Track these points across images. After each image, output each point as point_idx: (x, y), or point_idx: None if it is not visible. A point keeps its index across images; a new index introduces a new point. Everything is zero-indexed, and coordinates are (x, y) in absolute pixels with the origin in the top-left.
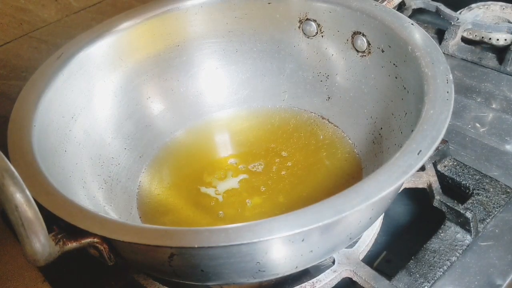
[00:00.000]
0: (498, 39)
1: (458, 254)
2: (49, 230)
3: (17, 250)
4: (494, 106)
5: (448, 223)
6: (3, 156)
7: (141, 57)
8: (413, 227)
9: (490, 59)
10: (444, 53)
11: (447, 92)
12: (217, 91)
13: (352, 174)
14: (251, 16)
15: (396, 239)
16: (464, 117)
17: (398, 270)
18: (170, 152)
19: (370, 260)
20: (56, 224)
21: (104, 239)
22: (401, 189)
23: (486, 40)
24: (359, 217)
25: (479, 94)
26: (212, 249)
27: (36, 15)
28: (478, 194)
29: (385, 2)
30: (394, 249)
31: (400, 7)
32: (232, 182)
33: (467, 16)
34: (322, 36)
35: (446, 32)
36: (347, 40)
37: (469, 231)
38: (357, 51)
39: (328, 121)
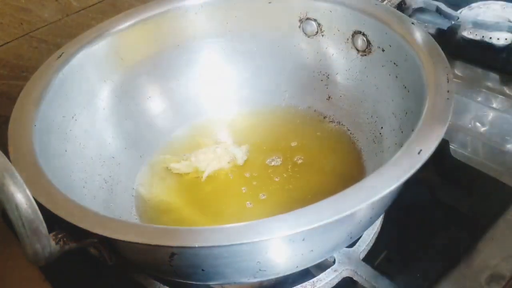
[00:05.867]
0: (498, 38)
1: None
2: (50, 229)
3: (18, 249)
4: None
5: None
6: (4, 155)
7: (141, 57)
8: (414, 227)
9: (491, 59)
10: (444, 52)
11: (448, 91)
12: (217, 91)
13: (353, 174)
14: (251, 16)
15: (397, 239)
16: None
17: (399, 270)
18: (170, 152)
19: (370, 259)
20: (57, 224)
21: (105, 239)
22: (401, 189)
23: (486, 39)
24: (360, 216)
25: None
26: (213, 249)
27: (37, 14)
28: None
29: (386, 1)
30: (395, 248)
31: (401, 6)
32: (231, 182)
33: (467, 15)
34: (323, 35)
35: (446, 31)
36: (348, 40)
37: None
38: (358, 50)
39: (329, 121)
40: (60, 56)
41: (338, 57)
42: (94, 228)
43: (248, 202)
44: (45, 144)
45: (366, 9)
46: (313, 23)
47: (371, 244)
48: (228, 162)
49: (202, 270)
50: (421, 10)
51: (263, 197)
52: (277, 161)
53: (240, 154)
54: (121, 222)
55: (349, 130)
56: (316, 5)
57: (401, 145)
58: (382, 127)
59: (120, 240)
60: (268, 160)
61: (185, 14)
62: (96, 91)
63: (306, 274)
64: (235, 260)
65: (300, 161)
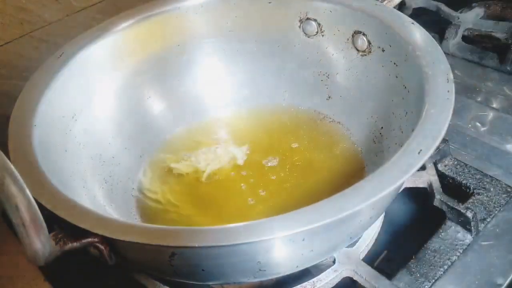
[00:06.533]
0: (498, 39)
1: (458, 254)
2: (50, 229)
3: (18, 249)
4: (494, 105)
5: (448, 223)
6: (4, 155)
7: (142, 56)
8: (414, 227)
9: (491, 59)
10: (444, 52)
11: (448, 91)
12: (217, 91)
13: (353, 173)
14: (251, 16)
15: (397, 239)
16: (464, 116)
17: (399, 270)
18: (170, 151)
19: (370, 259)
20: (57, 224)
21: (105, 239)
22: (401, 189)
23: (486, 39)
24: (360, 216)
25: (480, 94)
26: (213, 249)
27: (37, 14)
28: (478, 193)
29: (386, 2)
30: (395, 248)
31: (401, 7)
32: (232, 181)
33: (467, 16)
34: (323, 35)
35: (446, 32)
36: (348, 40)
37: (469, 230)
38: (358, 50)
39: (329, 121)
40: (60, 56)
41: (338, 57)
42: (94, 228)
43: (249, 199)
44: (45, 144)
45: (366, 9)
46: (313, 23)
47: (371, 244)
48: (228, 162)
49: (202, 270)
50: (421, 10)
51: (263, 196)
52: (277, 161)
53: (240, 154)
54: (121, 222)
55: (349, 130)
56: (316, 5)
57: (401, 145)
58: (382, 127)
59: (120, 240)
60: (268, 160)
61: (185, 14)
62: (96, 91)
63: (306, 274)
64: (235, 260)
65: (300, 161)
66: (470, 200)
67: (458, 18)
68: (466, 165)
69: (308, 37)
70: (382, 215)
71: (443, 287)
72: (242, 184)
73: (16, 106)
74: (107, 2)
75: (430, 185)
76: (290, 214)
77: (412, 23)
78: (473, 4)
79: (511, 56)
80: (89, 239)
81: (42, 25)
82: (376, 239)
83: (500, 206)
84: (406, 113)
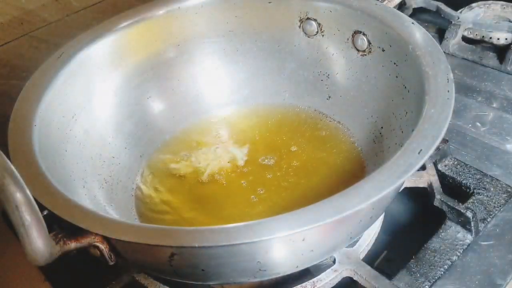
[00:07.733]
0: (498, 38)
1: (458, 254)
2: (50, 229)
3: (18, 249)
4: (494, 105)
5: (448, 223)
6: (4, 155)
7: (142, 56)
8: (414, 227)
9: (491, 58)
10: (444, 52)
11: (448, 91)
12: (217, 91)
13: (353, 173)
14: (251, 16)
15: (397, 239)
16: (464, 116)
17: (399, 270)
18: (170, 151)
19: (370, 259)
20: (57, 224)
21: (105, 239)
22: (401, 188)
23: (486, 39)
24: (360, 216)
25: (480, 93)
26: (213, 249)
27: (37, 14)
28: (478, 193)
29: (386, 1)
30: (395, 248)
31: (401, 6)
32: (231, 182)
33: (467, 15)
34: (323, 35)
35: (446, 31)
36: (348, 39)
37: (469, 230)
38: (358, 50)
39: (329, 121)
40: (60, 56)
41: (338, 57)
42: (94, 228)
43: (250, 198)
44: (45, 144)
45: (366, 9)
46: (313, 23)
47: (371, 244)
48: (228, 162)
49: (202, 270)
50: (421, 10)
51: (264, 196)
52: (277, 161)
53: (240, 154)
54: (121, 222)
55: (349, 130)
56: (316, 5)
57: (401, 145)
58: (382, 127)
59: (120, 240)
60: (268, 160)
61: (185, 14)
62: (96, 91)
63: (306, 274)
64: (235, 260)
65: (300, 161)
66: (470, 200)
67: (458, 18)
68: (466, 165)
69: (308, 37)
70: (382, 215)
71: (443, 287)
72: (243, 183)
73: (16, 106)
74: (107, 2)
75: (430, 185)
76: (290, 214)
77: (412, 23)
78: (473, 4)
79: (511, 56)
80: (89, 239)
81: (42, 25)
82: (376, 239)
83: (500, 206)
84: (406, 113)
